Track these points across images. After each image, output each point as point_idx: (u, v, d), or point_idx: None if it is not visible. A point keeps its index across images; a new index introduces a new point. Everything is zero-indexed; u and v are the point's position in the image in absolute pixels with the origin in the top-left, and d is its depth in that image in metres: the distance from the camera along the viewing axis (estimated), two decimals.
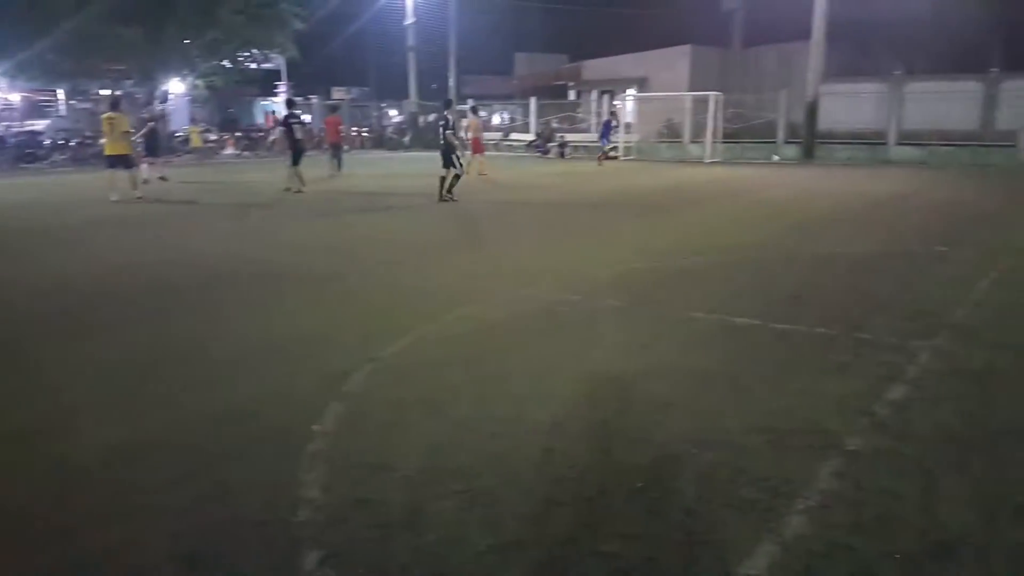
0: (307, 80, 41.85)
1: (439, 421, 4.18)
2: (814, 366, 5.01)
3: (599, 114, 34.23)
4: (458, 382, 4.79)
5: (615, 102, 33.73)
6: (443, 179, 15.00)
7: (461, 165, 15.24)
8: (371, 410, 4.37)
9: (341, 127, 23.22)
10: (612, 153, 29.22)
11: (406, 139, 40.15)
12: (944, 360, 5.07)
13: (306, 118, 40.50)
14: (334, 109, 26.11)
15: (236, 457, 3.77)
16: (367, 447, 3.87)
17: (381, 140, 40.60)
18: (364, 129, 41.60)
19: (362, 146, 37.89)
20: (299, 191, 16.71)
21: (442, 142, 15.35)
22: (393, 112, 46.60)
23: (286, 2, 30.54)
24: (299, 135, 17.18)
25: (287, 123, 17.49)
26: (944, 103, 25.05)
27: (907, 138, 25.91)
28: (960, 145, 24.80)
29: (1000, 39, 31.47)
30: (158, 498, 3.37)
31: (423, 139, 39.43)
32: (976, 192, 16.41)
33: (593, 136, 33.12)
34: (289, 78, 38.37)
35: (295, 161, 16.94)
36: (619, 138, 29.84)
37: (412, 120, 40.83)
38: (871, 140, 26.52)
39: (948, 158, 24.63)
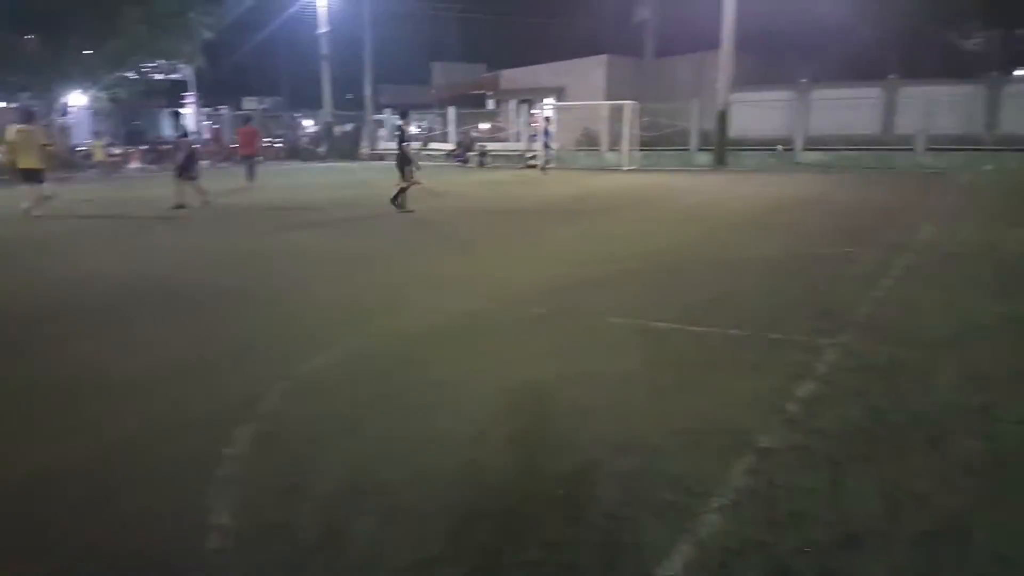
0: (217, 90, 40.86)
1: (357, 438, 4.11)
2: (729, 367, 5.13)
3: (519, 123, 34.53)
4: (377, 397, 4.72)
5: (533, 111, 34.06)
6: (402, 189, 14.92)
7: (408, 177, 15.03)
8: (285, 430, 4.26)
9: (256, 138, 22.58)
10: (532, 162, 29.46)
11: (321, 149, 39.63)
12: (850, 357, 5.26)
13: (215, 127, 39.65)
14: (247, 120, 25.52)
15: (140, 486, 3.62)
16: (281, 469, 3.77)
17: (296, 151, 39.96)
18: (278, 140, 40.89)
19: (276, 157, 37.18)
20: (205, 203, 16.25)
21: (397, 153, 15.37)
22: (308, 122, 45.92)
23: (193, 11, 29.71)
24: (183, 149, 16.86)
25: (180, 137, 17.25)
26: (848, 109, 26.18)
27: (814, 144, 26.93)
28: (863, 149, 25.93)
29: (898, 47, 33.14)
30: (55, 533, 3.21)
31: (339, 149, 39.04)
32: (879, 194, 17.15)
33: (513, 145, 33.39)
34: (198, 88, 37.39)
35: (186, 175, 16.40)
36: (539, 147, 30.11)
37: (327, 130, 40.33)
38: (780, 146, 27.46)
39: (853, 162, 25.70)
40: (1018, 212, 12.79)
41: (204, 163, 25.56)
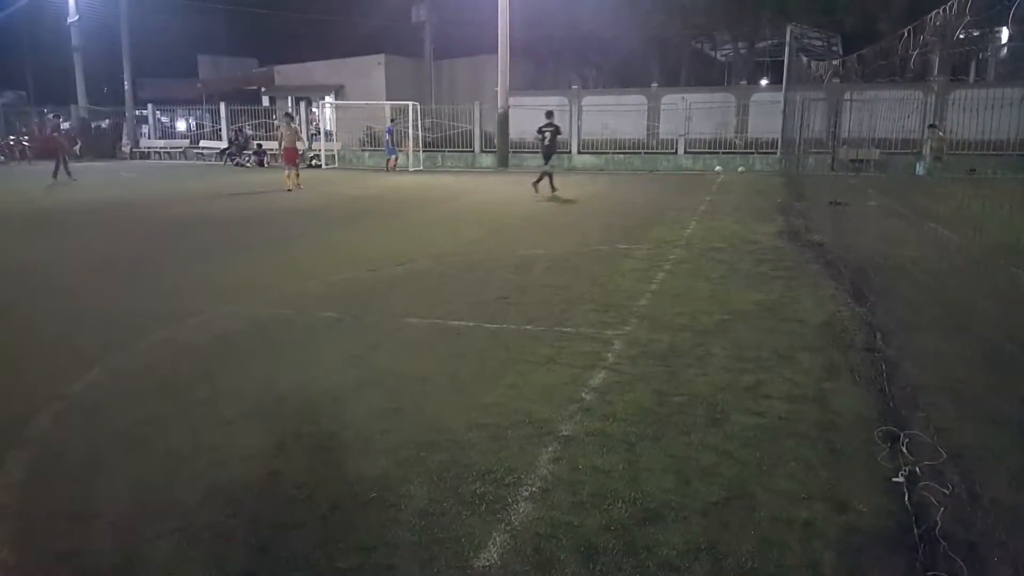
0: None
1: (145, 457, 3.82)
2: (525, 361, 5.31)
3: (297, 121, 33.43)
4: (162, 413, 4.40)
5: (314, 109, 33.20)
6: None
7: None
8: (63, 453, 3.87)
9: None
10: (315, 162, 28.67)
11: (77, 148, 36.09)
12: (635, 345, 5.63)
13: None
14: None
15: None
16: (63, 495, 3.43)
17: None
18: (24, 137, 36.70)
19: (22, 157, 33.34)
20: None
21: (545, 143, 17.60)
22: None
23: None
24: None
25: None
26: (616, 115, 27.92)
27: (587, 147, 28.47)
28: (631, 152, 27.81)
29: (659, 57, 35.91)
30: None
31: (97, 148, 35.78)
32: (647, 194, 18.47)
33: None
34: None
35: None
36: (320, 146, 29.39)
37: (83, 127, 36.81)
38: (557, 150, 28.71)
39: (622, 164, 27.51)
40: (766, 209, 14.30)
41: None
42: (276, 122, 31.59)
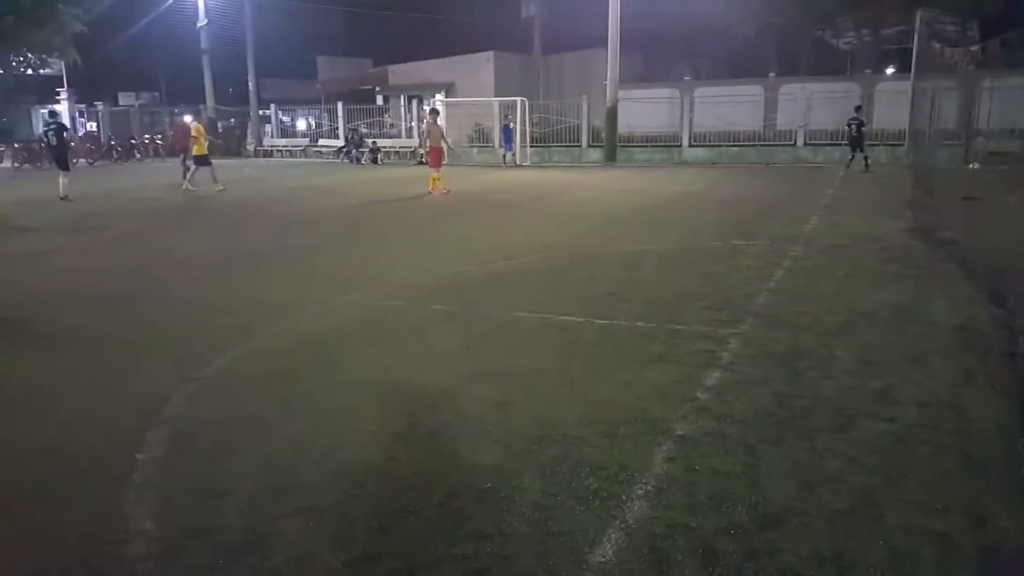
0: (91, 85, 38.68)
1: (272, 438, 3.98)
2: (637, 358, 5.23)
3: (409, 119, 34.21)
4: (288, 397, 4.58)
5: (425, 106, 33.79)
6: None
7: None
8: (198, 432, 4.09)
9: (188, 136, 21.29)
10: (425, 159, 29.21)
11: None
12: (752, 345, 5.46)
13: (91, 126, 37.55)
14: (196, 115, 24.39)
15: (51, 494, 3.43)
16: (199, 472, 3.63)
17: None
18: (157, 136, 38.98)
19: (156, 154, 35.44)
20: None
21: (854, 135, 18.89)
22: (187, 118, 43.89)
23: (62, 2, 27.87)
24: (54, 142, 17.51)
25: (45, 132, 18.07)
26: (730, 106, 27.15)
27: (699, 140, 27.86)
28: (746, 145, 27.00)
29: (776, 46, 34.71)
30: None
31: (223, 145, 37.61)
32: (762, 188, 17.90)
33: (405, 141, 33.02)
34: (70, 84, 35.21)
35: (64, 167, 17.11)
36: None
37: (211, 126, 38.72)
38: (667, 143, 28.29)
39: (736, 157, 26.75)
40: (893, 204, 13.61)
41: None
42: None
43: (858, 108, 21.21)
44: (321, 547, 2.96)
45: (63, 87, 35.40)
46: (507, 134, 27.65)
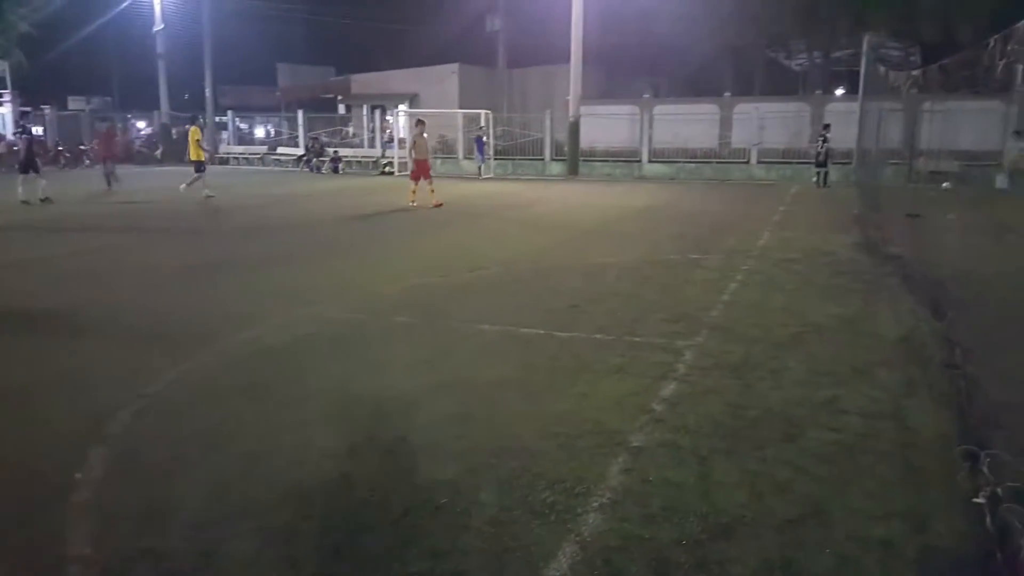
0: (38, 88, 37.82)
1: (224, 456, 3.95)
2: (595, 370, 5.30)
3: (371, 129, 34.10)
4: (241, 412, 4.55)
5: (388, 117, 33.77)
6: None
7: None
8: (144, 450, 4.03)
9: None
10: (387, 169, 29.15)
11: (158, 153, 37.50)
12: (706, 357, 5.57)
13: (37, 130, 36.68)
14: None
15: None
16: (143, 492, 3.57)
17: (129, 154, 37.51)
18: (80, 144, 38.06)
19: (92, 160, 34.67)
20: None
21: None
22: (140, 123, 43.16)
23: (7, 2, 27.17)
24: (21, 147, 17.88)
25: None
26: (687, 124, 27.60)
27: (658, 156, 28.23)
28: (703, 162, 27.45)
29: (731, 66, 35.39)
30: None
31: (177, 152, 37.10)
32: (719, 203, 18.19)
33: (367, 151, 32.87)
34: (14, 86, 34.35)
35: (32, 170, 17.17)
36: (393, 153, 29.87)
37: (164, 132, 38.23)
38: (627, 158, 28.62)
39: (693, 173, 27.15)
40: (841, 220, 13.93)
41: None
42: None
43: (826, 127, 22.58)
44: (271, 569, 2.95)
45: (6, 89, 34.44)
46: (479, 145, 27.69)
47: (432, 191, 16.55)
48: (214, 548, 3.07)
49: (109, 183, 19.78)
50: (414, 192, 16.72)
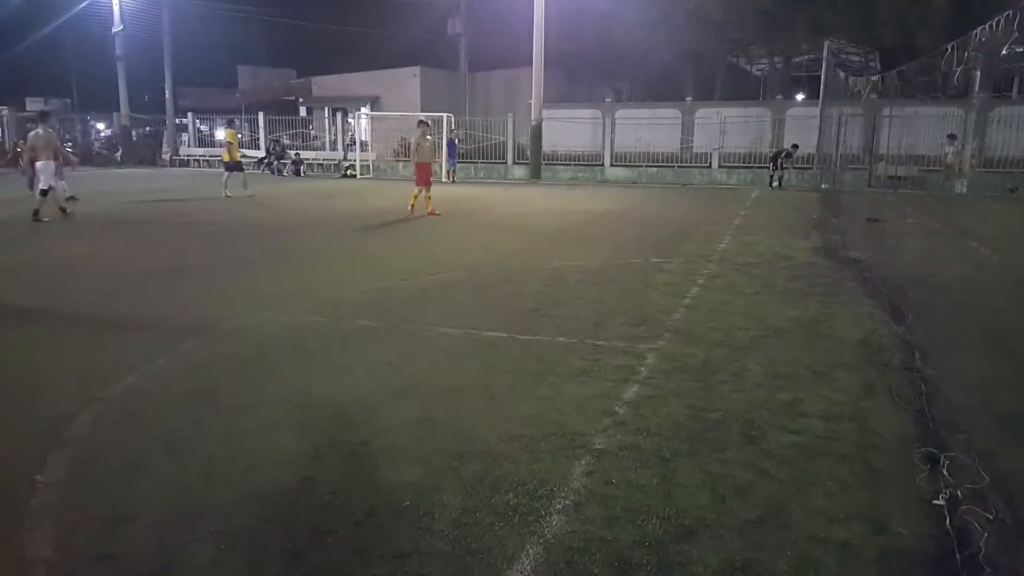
0: None
1: (183, 461, 3.87)
2: (558, 373, 5.30)
3: (333, 132, 33.85)
4: (200, 416, 4.47)
5: (349, 119, 33.56)
6: None
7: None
8: (103, 454, 3.94)
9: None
10: (349, 172, 28.96)
11: (118, 155, 36.87)
12: (668, 360, 5.61)
13: None
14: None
15: None
16: (102, 496, 3.50)
17: (89, 156, 36.81)
18: (67, 144, 37.45)
19: (66, 163, 33.96)
20: None
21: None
22: (100, 125, 42.42)
23: None
24: None
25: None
26: (649, 128, 27.86)
27: (620, 160, 28.45)
28: (664, 166, 27.73)
29: (693, 71, 35.80)
30: None
31: (138, 155, 36.51)
32: (679, 208, 18.37)
33: (329, 154, 32.62)
34: None
35: None
36: (355, 156, 29.69)
37: (124, 134, 37.59)
38: (590, 162, 28.79)
39: (655, 177, 27.43)
40: (801, 225, 14.16)
41: None
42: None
43: (795, 146, 24.88)
44: (232, 573, 2.90)
45: None
46: (451, 149, 27.55)
47: (429, 198, 15.65)
48: (174, 552, 3.03)
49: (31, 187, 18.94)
50: (416, 198, 15.73)
